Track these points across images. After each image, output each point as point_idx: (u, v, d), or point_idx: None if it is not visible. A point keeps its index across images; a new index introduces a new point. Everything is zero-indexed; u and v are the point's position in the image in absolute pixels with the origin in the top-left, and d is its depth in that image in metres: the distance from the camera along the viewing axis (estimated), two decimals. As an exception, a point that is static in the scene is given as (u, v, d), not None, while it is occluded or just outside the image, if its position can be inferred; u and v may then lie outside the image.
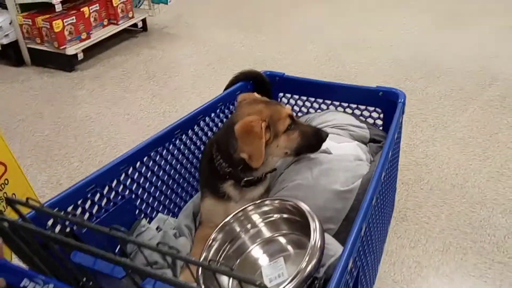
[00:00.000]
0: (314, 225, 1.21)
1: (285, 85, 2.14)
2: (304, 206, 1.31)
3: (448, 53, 3.81)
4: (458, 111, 3.00)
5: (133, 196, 1.62)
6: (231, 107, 2.00)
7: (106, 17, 4.06)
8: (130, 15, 4.20)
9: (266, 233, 1.44)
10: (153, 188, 1.71)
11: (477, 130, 2.78)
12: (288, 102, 2.19)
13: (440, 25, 4.38)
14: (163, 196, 1.77)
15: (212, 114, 1.93)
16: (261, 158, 1.43)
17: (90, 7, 3.85)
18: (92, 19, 3.89)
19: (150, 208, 1.72)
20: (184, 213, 1.79)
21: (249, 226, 1.44)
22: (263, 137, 1.43)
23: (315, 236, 1.16)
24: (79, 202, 1.40)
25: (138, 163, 1.61)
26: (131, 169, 1.57)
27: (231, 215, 1.45)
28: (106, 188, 1.49)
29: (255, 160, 1.44)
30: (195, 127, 1.84)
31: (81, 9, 3.74)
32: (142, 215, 1.69)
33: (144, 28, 4.49)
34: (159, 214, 1.76)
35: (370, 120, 2.04)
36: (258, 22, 4.66)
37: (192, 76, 3.63)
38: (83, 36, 3.76)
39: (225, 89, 2.07)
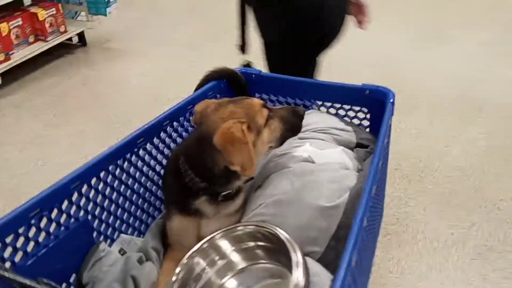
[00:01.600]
0: (296, 259, 1.02)
1: (262, 84, 1.94)
2: (283, 234, 1.12)
3: (428, 73, 3.44)
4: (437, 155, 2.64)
5: (89, 217, 1.41)
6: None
7: (32, 33, 3.58)
8: (62, 29, 3.76)
9: (240, 263, 1.25)
10: (113, 206, 1.50)
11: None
12: (265, 101, 1.99)
13: (418, 41, 4.03)
14: (126, 214, 1.56)
15: (181, 119, 1.72)
16: (253, 164, 1.24)
17: (10, 23, 3.36)
18: (13, 37, 3.41)
19: (111, 229, 1.51)
20: (151, 233, 1.59)
21: (217, 257, 1.23)
22: (249, 140, 1.23)
23: (297, 275, 0.97)
24: (21, 230, 1.19)
25: (94, 180, 1.40)
26: (85, 186, 1.36)
27: (195, 248, 1.24)
28: (55, 211, 1.28)
29: (249, 169, 1.24)
30: (162, 133, 1.64)
31: (-3, 26, 3.22)
32: (102, 238, 1.48)
33: (83, 42, 4.10)
34: (122, 235, 1.55)
35: (356, 121, 1.86)
36: (212, 34, 4.27)
37: (134, 104, 3.14)
38: (1, 57, 3.29)
39: (196, 89, 1.86)
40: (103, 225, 1.47)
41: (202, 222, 1.41)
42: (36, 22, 3.55)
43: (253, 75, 1.92)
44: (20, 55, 3.45)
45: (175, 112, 1.68)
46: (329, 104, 1.87)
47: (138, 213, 1.61)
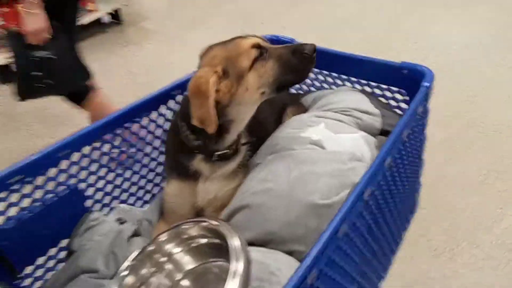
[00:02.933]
0: (233, 246, 0.91)
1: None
2: (223, 228, 1.00)
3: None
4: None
5: (83, 185, 1.39)
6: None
7: None
8: (91, 7, 3.43)
9: (190, 263, 1.14)
10: (111, 175, 1.46)
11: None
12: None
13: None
14: (126, 183, 1.53)
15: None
16: (211, 121, 1.12)
17: None
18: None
19: (109, 198, 1.49)
20: (154, 203, 1.54)
21: (165, 259, 1.13)
22: (211, 95, 1.10)
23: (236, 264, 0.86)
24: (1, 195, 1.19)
25: (88, 148, 1.36)
26: (76, 154, 1.33)
27: (139, 252, 1.15)
28: (41, 178, 1.26)
29: (208, 125, 1.13)
30: (170, 101, 1.55)
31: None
32: (100, 207, 1.46)
33: (118, 21, 3.77)
34: (120, 205, 1.52)
35: (393, 103, 1.64)
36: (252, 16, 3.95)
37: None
38: None
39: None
40: (100, 194, 1.45)
41: (199, 186, 1.32)
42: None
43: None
44: None
45: (184, 82, 1.57)
46: (364, 81, 1.66)
47: (141, 182, 1.57)
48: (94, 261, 1.30)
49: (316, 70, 1.76)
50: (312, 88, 1.82)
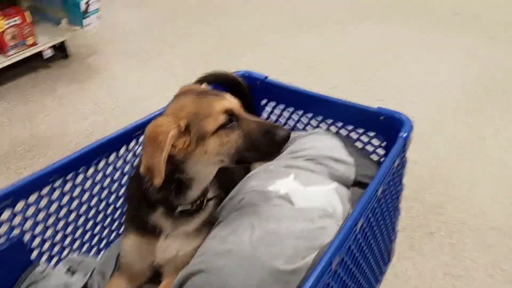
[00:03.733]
0: None
1: (268, 91, 1.68)
2: None
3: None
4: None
5: (27, 236, 1.26)
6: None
7: None
8: (30, 42, 3.02)
9: None
10: (61, 223, 1.34)
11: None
12: (271, 112, 1.73)
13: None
14: (79, 231, 1.40)
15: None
16: (158, 173, 1.01)
17: None
18: None
19: (58, 248, 1.36)
20: (109, 252, 1.42)
21: None
22: (166, 148, 1.00)
23: None
24: None
25: (36, 195, 1.24)
26: (21, 203, 1.21)
27: None
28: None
29: (154, 176, 1.02)
30: (132, 143, 1.44)
31: None
32: (46, 257, 1.34)
33: (63, 54, 3.41)
34: (70, 255, 1.40)
35: (370, 149, 1.56)
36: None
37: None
38: None
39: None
40: (47, 244, 1.32)
41: (159, 243, 1.21)
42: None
43: (258, 82, 1.66)
44: None
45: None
46: (340, 124, 1.58)
47: (96, 229, 1.45)
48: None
49: (290, 109, 1.67)
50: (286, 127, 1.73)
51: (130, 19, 4.22)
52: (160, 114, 1.12)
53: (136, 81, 3.18)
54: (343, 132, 1.58)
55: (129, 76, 3.23)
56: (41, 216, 1.28)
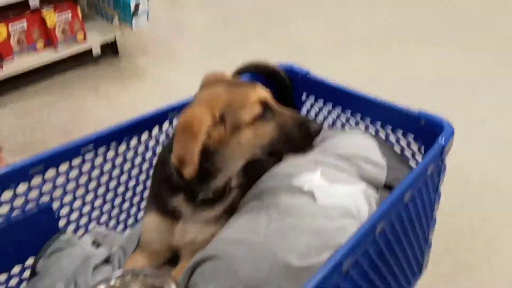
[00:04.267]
0: None
1: (309, 87, 1.65)
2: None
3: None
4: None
5: (55, 204, 1.30)
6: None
7: (41, 37, 2.92)
8: (80, 37, 3.01)
9: None
10: (90, 195, 1.38)
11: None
12: (311, 108, 1.70)
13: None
14: (106, 205, 1.44)
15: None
16: (191, 165, 1.01)
17: (11, 26, 2.78)
18: (13, 42, 2.83)
19: (85, 220, 1.40)
20: (132, 232, 1.43)
21: None
22: (200, 138, 1.00)
23: None
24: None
25: (66, 165, 1.28)
26: (52, 171, 1.25)
27: None
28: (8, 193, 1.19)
29: (185, 167, 1.02)
30: (166, 123, 1.45)
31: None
32: (73, 227, 1.38)
33: (114, 52, 3.34)
34: (97, 227, 1.43)
35: (409, 154, 1.48)
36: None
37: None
38: None
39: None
40: (75, 214, 1.37)
41: (177, 227, 1.21)
42: (46, 26, 2.90)
43: (299, 75, 1.63)
44: (18, 64, 2.87)
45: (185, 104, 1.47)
46: (379, 125, 1.51)
47: (124, 206, 1.48)
48: (52, 287, 1.21)
49: (330, 105, 1.63)
50: (325, 124, 1.69)
51: (188, 22, 4.12)
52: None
53: (184, 86, 3.17)
54: (382, 134, 1.52)
55: (179, 81, 3.02)
56: (70, 186, 1.32)
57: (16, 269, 1.29)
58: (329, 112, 1.64)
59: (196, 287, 1.09)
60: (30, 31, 2.87)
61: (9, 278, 1.27)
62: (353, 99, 1.54)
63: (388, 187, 1.32)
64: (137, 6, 2.98)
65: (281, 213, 1.13)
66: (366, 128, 1.54)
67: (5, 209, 1.20)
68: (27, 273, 1.30)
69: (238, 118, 1.05)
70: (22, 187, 1.21)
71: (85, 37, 3.04)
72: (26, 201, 1.23)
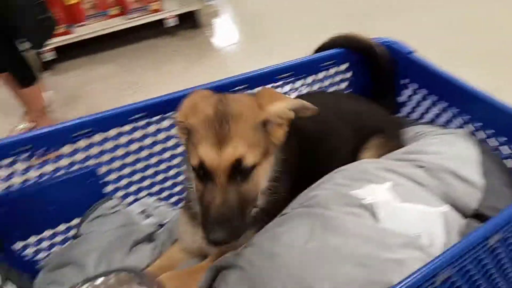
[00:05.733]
0: None
1: (411, 70, 1.37)
2: None
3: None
4: None
5: (101, 169, 1.25)
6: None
7: (116, 4, 2.84)
8: (154, 7, 2.86)
9: None
10: (140, 164, 1.30)
11: None
12: (410, 97, 1.42)
13: None
14: (158, 177, 1.35)
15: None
16: None
17: None
18: (86, 6, 2.79)
19: (134, 188, 1.33)
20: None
21: None
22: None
23: None
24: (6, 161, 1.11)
25: (115, 131, 1.20)
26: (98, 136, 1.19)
27: None
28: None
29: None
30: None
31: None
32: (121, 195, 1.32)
33: (192, 25, 3.10)
34: (147, 198, 1.36)
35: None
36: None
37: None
38: (61, 29, 2.67)
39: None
40: (124, 181, 1.30)
41: (198, 231, 1.08)
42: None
43: (401, 55, 1.36)
44: (86, 30, 2.84)
45: (273, 72, 1.31)
46: (491, 131, 1.20)
47: (179, 178, 1.38)
48: (86, 255, 1.17)
49: (434, 98, 1.34)
50: (424, 118, 1.40)
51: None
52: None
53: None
54: (493, 142, 1.20)
55: (255, 61, 2.70)
56: (119, 152, 1.24)
57: (62, 227, 1.27)
58: (433, 104, 1.35)
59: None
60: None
61: (54, 235, 1.26)
62: (463, 94, 1.23)
63: (478, 216, 1.03)
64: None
65: (326, 229, 0.93)
66: (473, 132, 1.24)
67: (50, 168, 1.17)
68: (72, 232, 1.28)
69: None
70: (67, 148, 1.16)
71: (160, 8, 2.91)
72: (72, 163, 1.19)
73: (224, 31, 3.22)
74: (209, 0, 3.07)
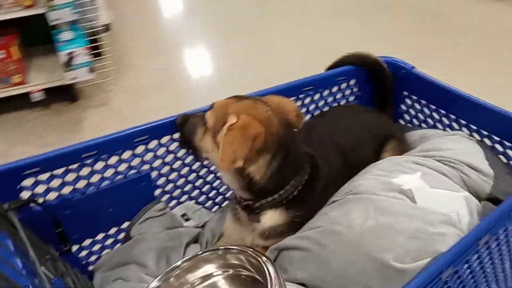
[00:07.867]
0: None
1: (411, 83, 1.59)
2: (269, 267, 0.89)
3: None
4: None
5: (153, 173, 1.36)
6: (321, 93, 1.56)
7: None
8: (16, 80, 2.58)
9: None
10: (185, 169, 1.42)
11: None
12: (410, 107, 1.64)
13: None
14: (200, 181, 1.47)
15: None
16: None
17: None
18: None
19: (179, 192, 1.45)
20: (221, 215, 1.46)
21: (199, 280, 1.04)
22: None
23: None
24: (73, 166, 1.20)
25: (167, 138, 1.32)
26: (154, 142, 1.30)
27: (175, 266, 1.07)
28: (115, 157, 1.26)
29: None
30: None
31: None
32: (166, 198, 1.43)
33: (72, 98, 2.81)
34: (188, 201, 1.48)
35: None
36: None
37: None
38: None
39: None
40: (170, 185, 1.41)
41: (244, 230, 1.24)
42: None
43: (402, 70, 1.58)
44: None
45: (290, 88, 1.48)
46: (485, 132, 1.43)
47: (215, 184, 1.51)
48: (145, 255, 1.27)
49: (432, 107, 1.56)
50: (424, 125, 1.62)
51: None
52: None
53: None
54: (487, 142, 1.43)
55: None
56: (169, 158, 1.36)
57: (112, 230, 1.35)
58: (431, 113, 1.57)
59: (284, 271, 1.10)
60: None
61: (106, 237, 1.34)
62: (459, 101, 1.46)
63: (491, 199, 1.24)
64: (70, 58, 2.55)
65: (377, 211, 1.10)
66: (470, 134, 1.46)
67: (110, 172, 1.27)
68: (122, 235, 1.37)
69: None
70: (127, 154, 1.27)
71: (23, 80, 2.64)
72: (128, 167, 1.30)
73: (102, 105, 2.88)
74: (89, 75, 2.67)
